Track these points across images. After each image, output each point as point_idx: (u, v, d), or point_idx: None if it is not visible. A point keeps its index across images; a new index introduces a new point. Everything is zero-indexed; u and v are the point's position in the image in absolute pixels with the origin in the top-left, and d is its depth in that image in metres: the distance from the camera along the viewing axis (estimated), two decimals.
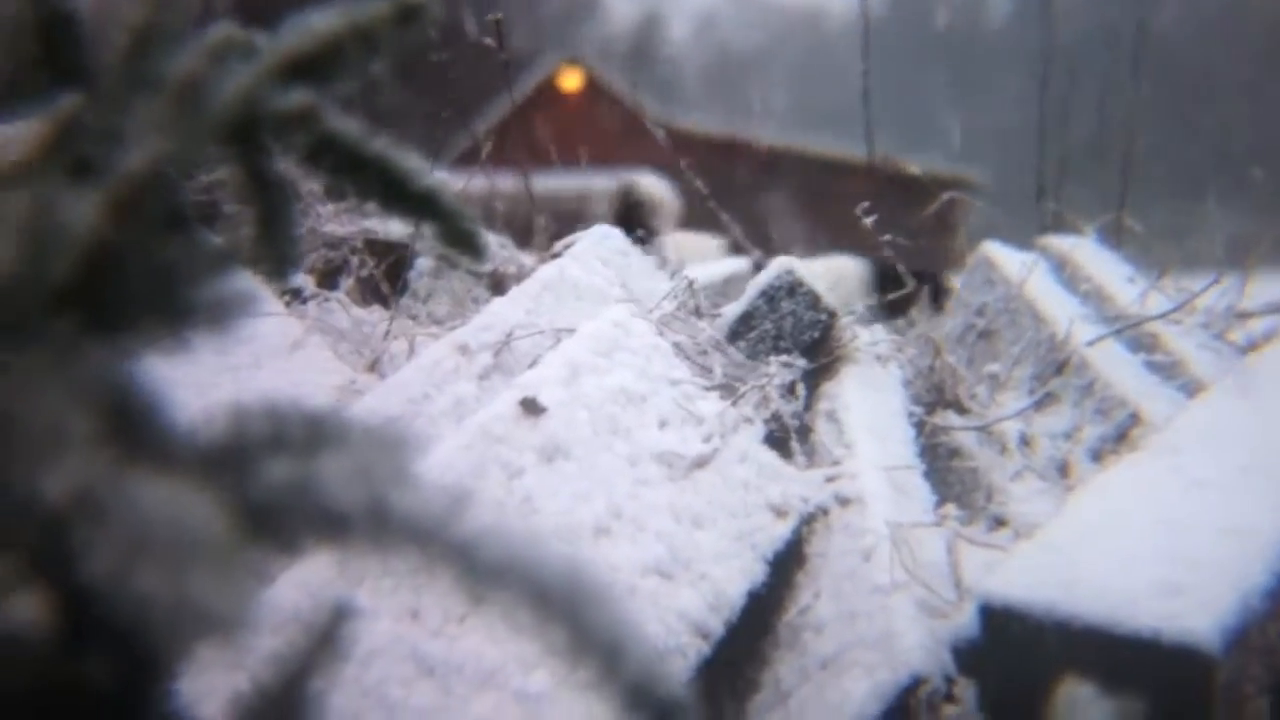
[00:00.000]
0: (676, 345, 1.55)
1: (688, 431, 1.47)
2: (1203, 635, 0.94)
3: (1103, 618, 0.99)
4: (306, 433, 0.37)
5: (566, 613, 0.35)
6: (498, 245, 1.93)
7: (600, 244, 1.66)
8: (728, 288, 2.01)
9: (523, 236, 2.21)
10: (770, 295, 1.66)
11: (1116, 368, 1.75)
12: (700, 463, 1.43)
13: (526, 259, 1.90)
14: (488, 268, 1.85)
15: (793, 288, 1.67)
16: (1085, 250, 2.16)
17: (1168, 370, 1.78)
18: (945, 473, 1.80)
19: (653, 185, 5.01)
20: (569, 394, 1.37)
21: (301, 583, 1.02)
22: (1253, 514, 1.10)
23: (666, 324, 1.55)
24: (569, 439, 1.34)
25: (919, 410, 1.71)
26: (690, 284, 1.60)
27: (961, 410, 1.89)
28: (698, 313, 1.62)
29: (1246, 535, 1.07)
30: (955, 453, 1.81)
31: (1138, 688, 0.97)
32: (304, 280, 2.02)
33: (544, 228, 2.29)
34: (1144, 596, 1.00)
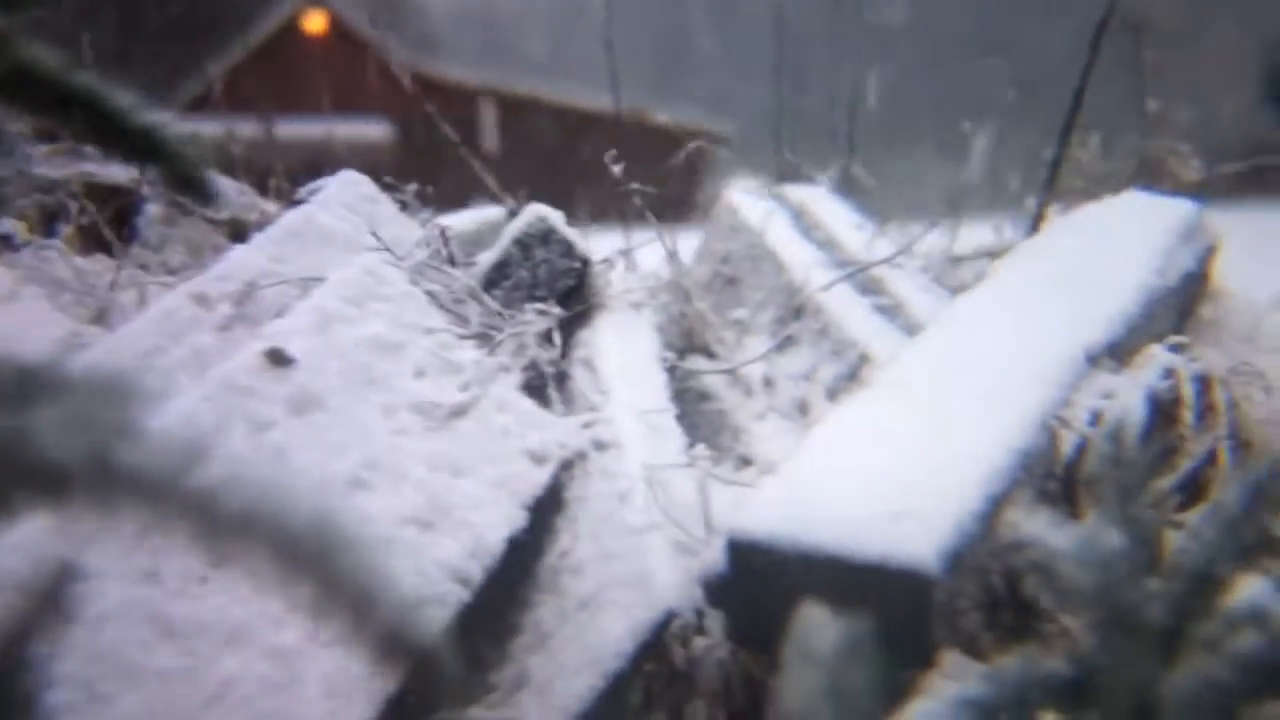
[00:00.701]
0: (431, 294, 1.52)
1: (445, 381, 1.45)
2: (922, 558, 1.03)
3: (837, 547, 1.07)
4: (18, 384, 0.33)
5: (314, 565, 0.34)
6: (236, 191, 1.82)
7: (347, 190, 1.59)
8: (482, 236, 1.99)
9: (265, 183, 2.09)
10: (523, 243, 1.66)
11: (847, 311, 1.88)
12: (458, 411, 1.42)
13: (269, 206, 1.80)
14: (225, 214, 1.74)
15: (546, 235, 1.67)
16: (819, 199, 2.29)
17: (892, 312, 1.92)
18: (696, 415, 1.87)
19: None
20: (320, 343, 1.32)
21: (19, 545, 0.94)
22: (970, 441, 1.21)
23: (420, 272, 1.51)
24: (321, 389, 1.29)
25: (671, 355, 1.77)
26: (443, 231, 1.57)
27: (710, 355, 1.97)
28: (451, 261, 1.59)
29: (964, 461, 1.18)
30: (705, 396, 1.88)
31: (868, 609, 1.05)
32: (14, 227, 1.83)
33: (284, 174, 2.18)
34: (873, 525, 1.08)
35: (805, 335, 1.92)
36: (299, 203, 1.56)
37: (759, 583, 1.11)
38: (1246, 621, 0.78)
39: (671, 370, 1.82)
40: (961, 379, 1.33)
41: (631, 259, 2.13)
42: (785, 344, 1.94)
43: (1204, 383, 1.36)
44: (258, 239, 1.48)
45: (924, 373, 1.36)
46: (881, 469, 1.17)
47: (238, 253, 1.46)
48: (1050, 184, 1.88)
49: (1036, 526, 0.88)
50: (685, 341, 1.99)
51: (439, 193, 2.09)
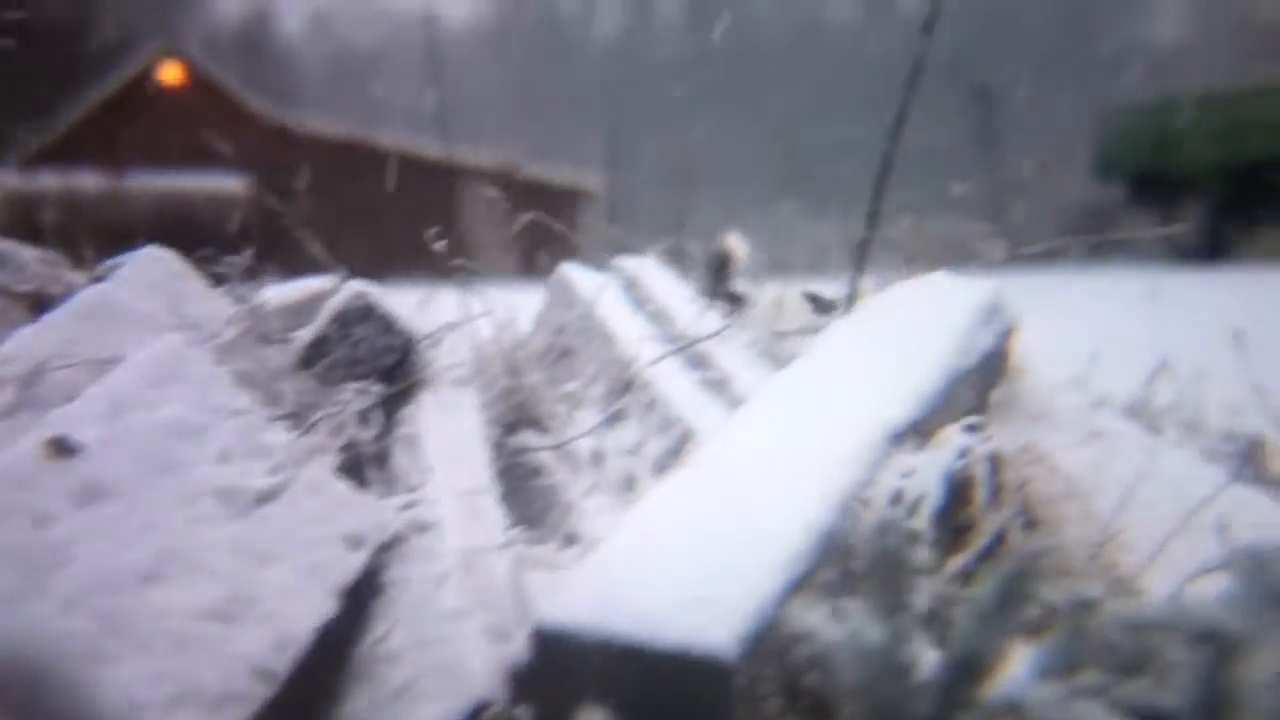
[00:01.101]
0: (242, 373, 1.48)
1: (252, 464, 1.41)
2: (721, 645, 1.05)
3: (639, 635, 1.07)
4: None
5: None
6: (40, 261, 1.73)
7: (151, 266, 1.54)
8: (311, 308, 1.95)
9: (79, 252, 1.99)
10: (342, 320, 1.63)
11: (674, 385, 1.91)
12: (266, 496, 1.38)
13: (76, 277, 1.72)
14: (27, 287, 1.65)
15: (365, 312, 1.65)
16: (651, 271, 2.33)
17: (719, 386, 1.97)
18: (527, 492, 1.86)
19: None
20: (111, 430, 1.26)
21: None
22: (774, 523, 1.24)
23: (230, 351, 1.47)
24: (111, 479, 1.23)
25: (498, 431, 1.76)
26: (256, 308, 1.53)
27: (542, 429, 1.97)
28: (266, 339, 1.55)
29: (768, 544, 1.21)
30: (535, 472, 1.88)
31: (670, 698, 1.06)
32: None
33: (126, 232, 2.08)
34: (675, 611, 1.10)
35: (634, 409, 1.95)
36: (99, 279, 1.50)
37: (565, 672, 1.10)
38: (1003, 713, 0.82)
39: (499, 447, 1.81)
40: (770, 458, 1.37)
41: (473, 327, 2.12)
42: (615, 418, 1.96)
43: (995, 462, 1.44)
44: (49, 317, 1.41)
45: (734, 452, 1.40)
46: (687, 552, 1.19)
47: (26, 332, 1.39)
48: (860, 263, 1.97)
49: (813, 619, 0.91)
50: (517, 415, 1.99)
51: (296, 252, 2.03)
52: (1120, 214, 16.82)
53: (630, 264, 2.41)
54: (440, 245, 2.00)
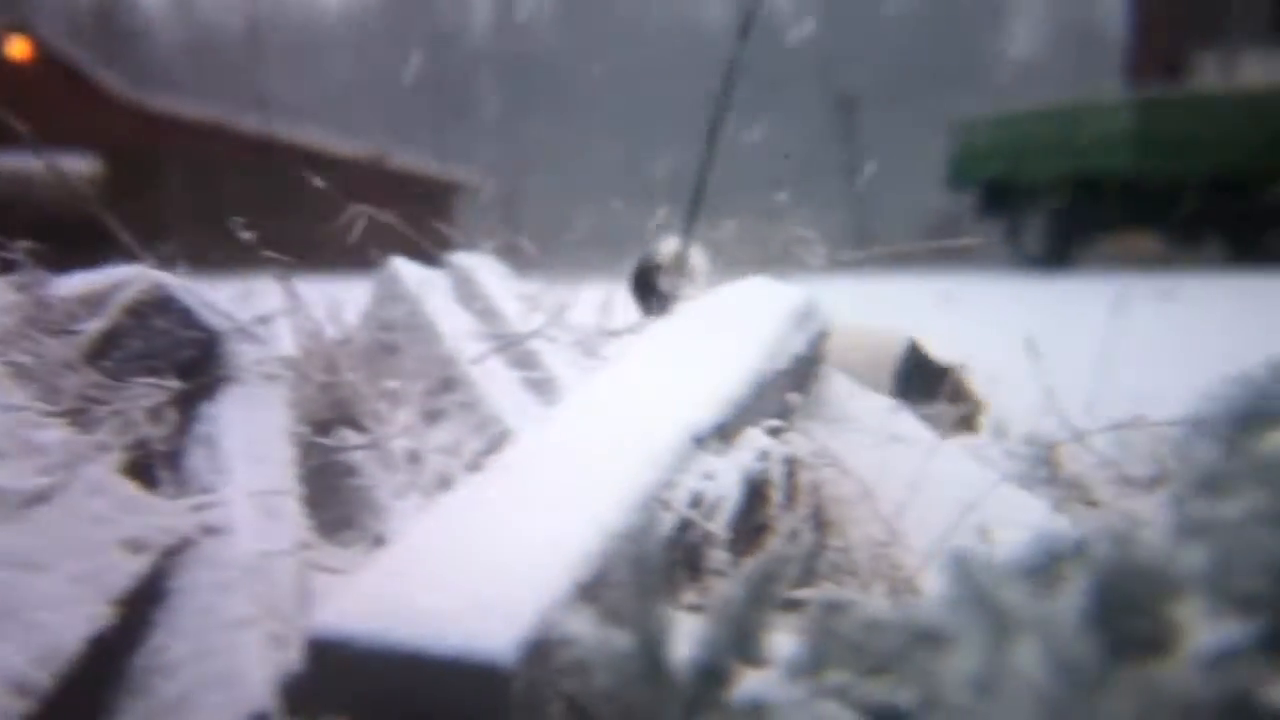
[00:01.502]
0: (19, 366, 1.39)
1: (24, 464, 1.33)
2: (500, 651, 1.04)
3: (416, 642, 1.06)
4: None
5: None
6: None
7: None
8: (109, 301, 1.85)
9: None
10: (138, 311, 1.56)
11: (495, 384, 1.90)
12: (36, 498, 1.30)
13: None
14: None
15: (163, 303, 1.58)
16: (484, 269, 2.31)
17: (543, 386, 1.96)
18: (337, 493, 1.82)
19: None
20: None
21: None
22: (566, 526, 1.24)
23: (6, 342, 1.38)
24: None
25: (307, 430, 1.71)
26: (37, 298, 1.45)
27: (360, 428, 1.92)
28: (49, 330, 1.47)
29: (558, 547, 1.20)
30: (349, 472, 1.83)
31: (447, 708, 1.05)
32: None
33: None
34: (456, 617, 1.08)
35: (454, 409, 1.92)
36: None
37: (339, 683, 1.07)
38: (747, 714, 0.83)
39: (309, 445, 1.76)
40: (571, 460, 1.37)
41: (298, 321, 2.05)
42: (434, 417, 1.93)
43: (792, 464, 1.47)
44: None
45: (535, 454, 1.39)
46: (475, 556, 1.18)
47: None
48: (682, 266, 2.00)
49: (577, 624, 0.91)
50: (333, 413, 1.94)
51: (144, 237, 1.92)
52: (970, 222, 17.60)
53: (465, 260, 2.38)
54: (258, 234, 1.94)
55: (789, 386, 1.79)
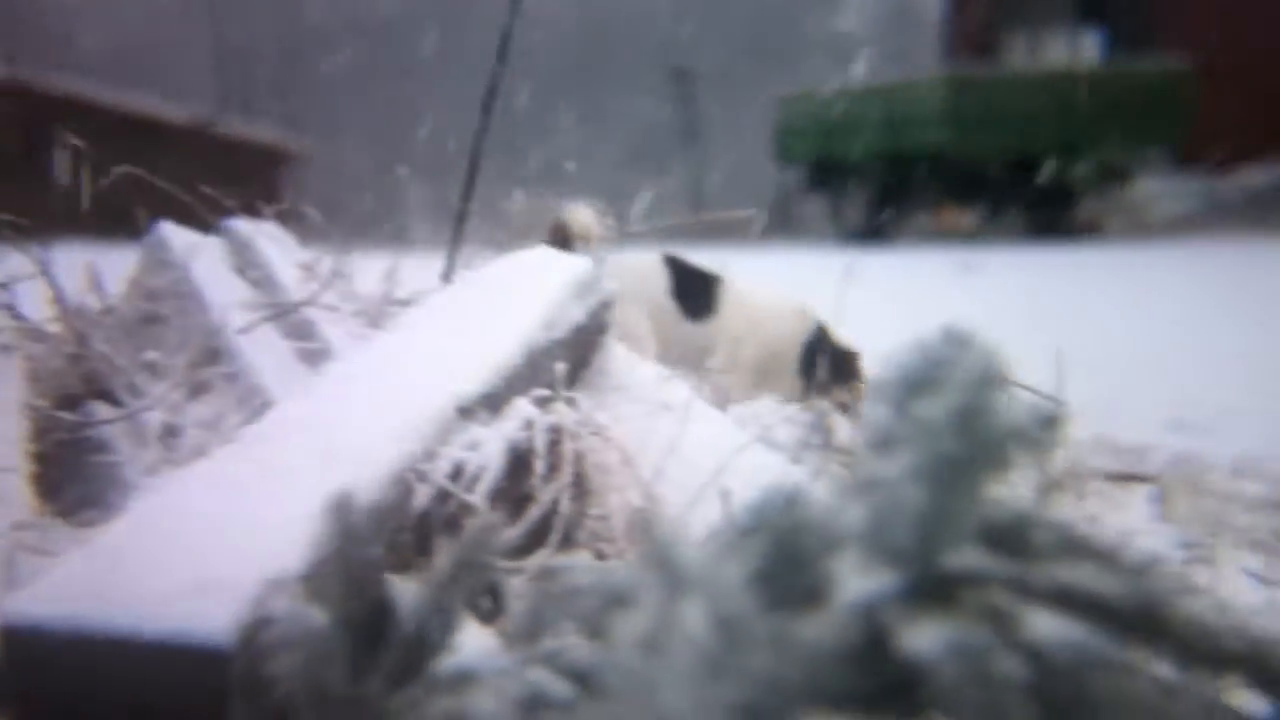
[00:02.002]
0: None
1: None
2: (216, 632, 1.00)
3: (128, 627, 1.00)
4: None
5: None
6: None
7: None
8: None
9: None
10: None
11: (265, 356, 1.82)
12: None
13: None
14: None
15: None
16: (263, 236, 2.21)
17: (318, 358, 1.90)
18: (89, 468, 1.71)
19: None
20: None
21: None
22: (304, 501, 1.19)
23: None
24: None
25: (46, 404, 1.60)
26: None
27: (113, 401, 1.81)
28: None
29: (294, 522, 1.16)
30: (99, 448, 1.73)
31: (163, 693, 1.00)
32: None
33: None
34: (175, 598, 1.03)
35: (219, 381, 1.84)
36: None
37: (37, 675, 1.01)
38: (454, 684, 0.83)
39: (52, 420, 1.65)
40: (319, 434, 1.32)
41: (50, 290, 1.91)
42: (199, 390, 1.84)
43: (557, 434, 1.47)
44: None
45: (284, 427, 1.34)
46: (202, 534, 1.13)
47: None
48: (457, 236, 1.97)
49: (277, 602, 0.88)
50: (84, 387, 1.82)
51: None
52: (800, 197, 18.12)
53: (242, 227, 2.28)
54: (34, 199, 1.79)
55: (566, 356, 1.79)
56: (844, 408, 2.46)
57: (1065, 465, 1.96)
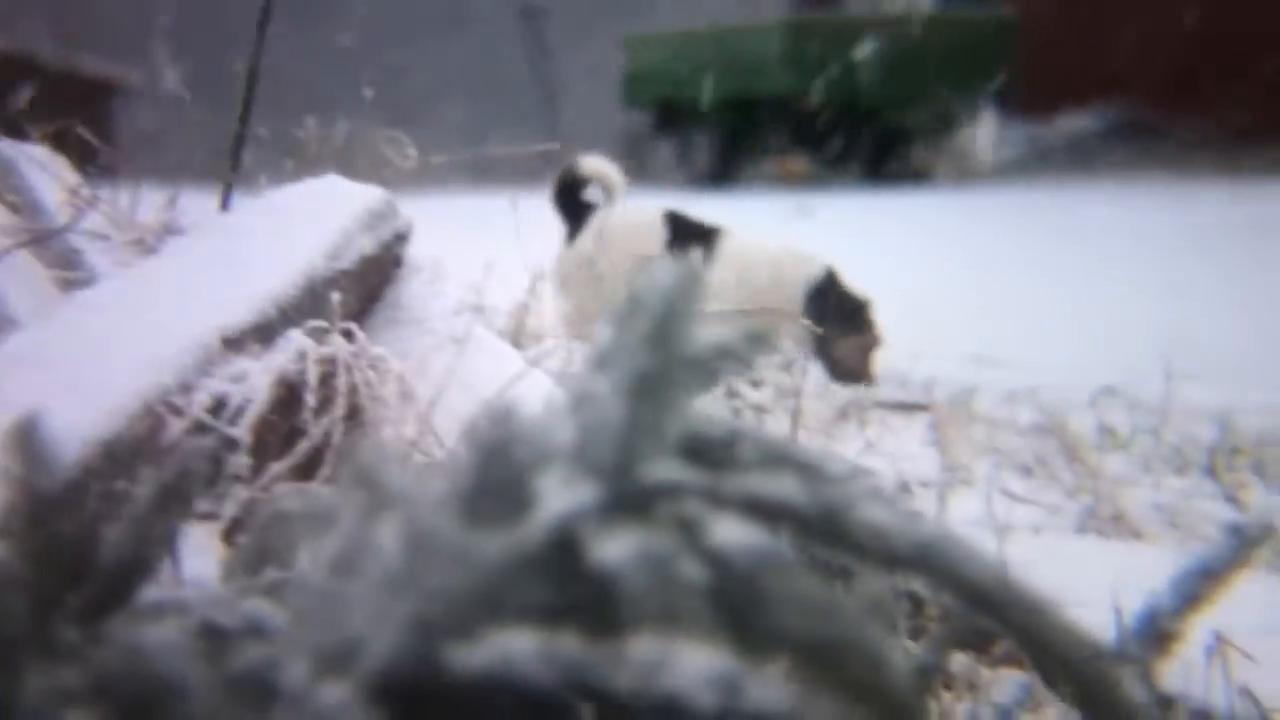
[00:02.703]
0: None
1: None
2: None
3: None
4: None
5: None
6: None
7: None
8: None
9: None
10: None
11: (19, 285, 1.70)
12: None
13: None
14: None
15: None
16: (27, 159, 2.06)
17: (75, 286, 1.79)
18: None
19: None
20: None
21: None
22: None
23: None
24: None
25: None
26: None
27: None
28: None
29: None
30: None
31: None
32: None
33: None
34: None
35: None
36: None
37: None
38: (154, 616, 0.80)
39: None
40: (57, 366, 1.25)
41: None
42: None
43: (332, 366, 1.43)
44: None
45: (17, 358, 1.26)
46: None
47: None
48: (235, 163, 1.88)
49: None
50: None
51: None
52: (649, 141, 18.11)
53: (4, 149, 2.11)
54: None
55: (353, 288, 1.74)
56: (853, 354, 2.49)
57: (852, 395, 2.04)
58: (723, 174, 16.00)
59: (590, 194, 3.84)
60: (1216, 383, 2.68)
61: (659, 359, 0.71)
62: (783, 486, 0.71)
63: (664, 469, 0.72)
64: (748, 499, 0.71)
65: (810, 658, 0.65)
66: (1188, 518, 1.65)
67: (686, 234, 3.37)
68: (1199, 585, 0.79)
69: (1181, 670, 1.08)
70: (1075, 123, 16.51)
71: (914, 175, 15.14)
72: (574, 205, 3.80)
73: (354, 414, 1.44)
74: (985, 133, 15.74)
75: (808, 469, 0.79)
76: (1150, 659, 0.79)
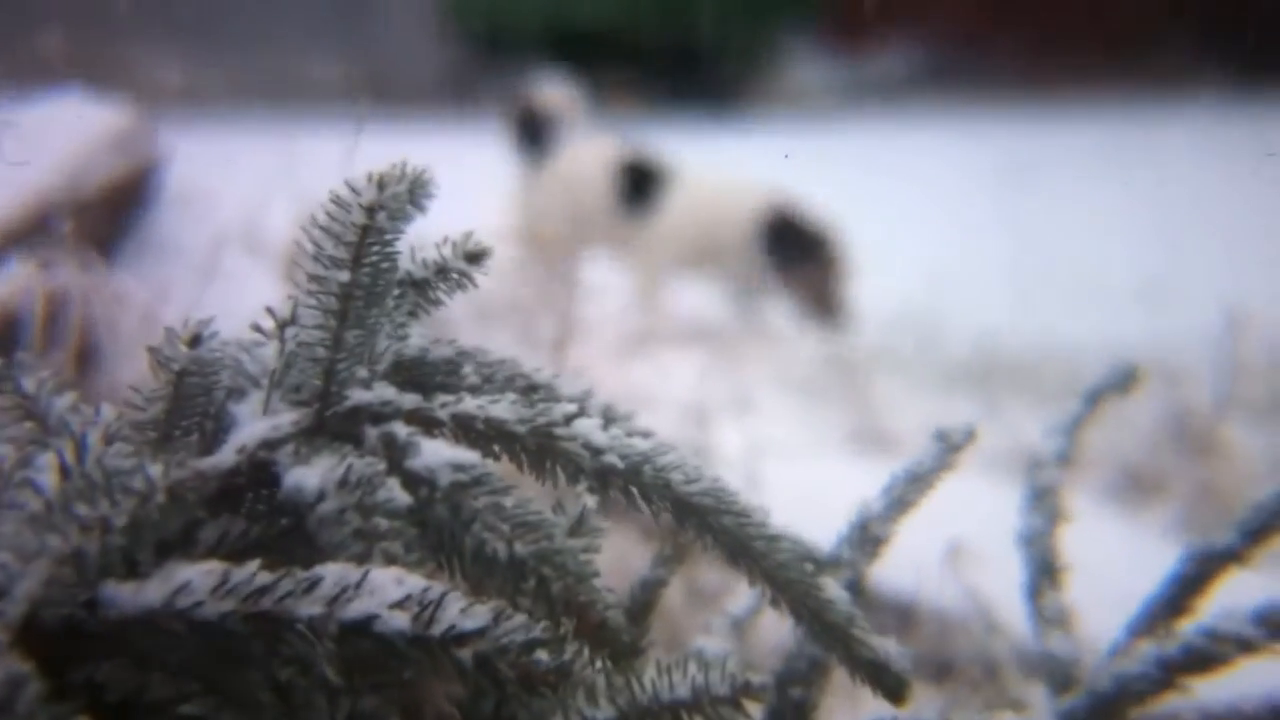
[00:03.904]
0: None
1: None
2: None
3: None
4: None
5: None
6: None
7: None
8: None
9: None
10: None
11: None
12: None
13: None
14: None
15: None
16: None
17: None
18: None
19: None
20: None
21: None
22: None
23: None
24: None
25: None
26: None
27: None
28: None
29: None
30: None
31: None
32: None
33: None
34: None
35: None
36: None
37: None
38: None
39: None
40: None
41: None
42: None
43: (60, 297, 1.33)
44: None
45: None
46: None
47: None
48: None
49: None
50: None
51: None
52: (474, 73, 17.55)
53: None
54: None
55: (97, 216, 1.62)
56: (809, 289, 2.40)
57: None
58: None
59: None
60: (985, 308, 2.84)
61: (366, 278, 0.68)
62: (497, 408, 0.70)
63: (374, 392, 0.70)
64: (459, 420, 0.69)
65: (514, 574, 0.65)
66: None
67: (637, 173, 3.30)
68: (907, 490, 0.83)
69: (915, 573, 1.14)
70: (886, 59, 17.02)
71: (735, 112, 15.30)
72: (533, 138, 3.75)
73: (88, 351, 1.34)
74: (806, 71, 16.02)
75: (537, 390, 0.78)
76: (860, 561, 0.82)
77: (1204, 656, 0.68)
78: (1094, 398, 0.87)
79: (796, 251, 2.99)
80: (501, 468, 0.69)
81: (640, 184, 3.40)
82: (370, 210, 0.66)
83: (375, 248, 0.67)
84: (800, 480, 1.24)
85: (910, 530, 0.99)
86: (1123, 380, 0.87)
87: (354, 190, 0.66)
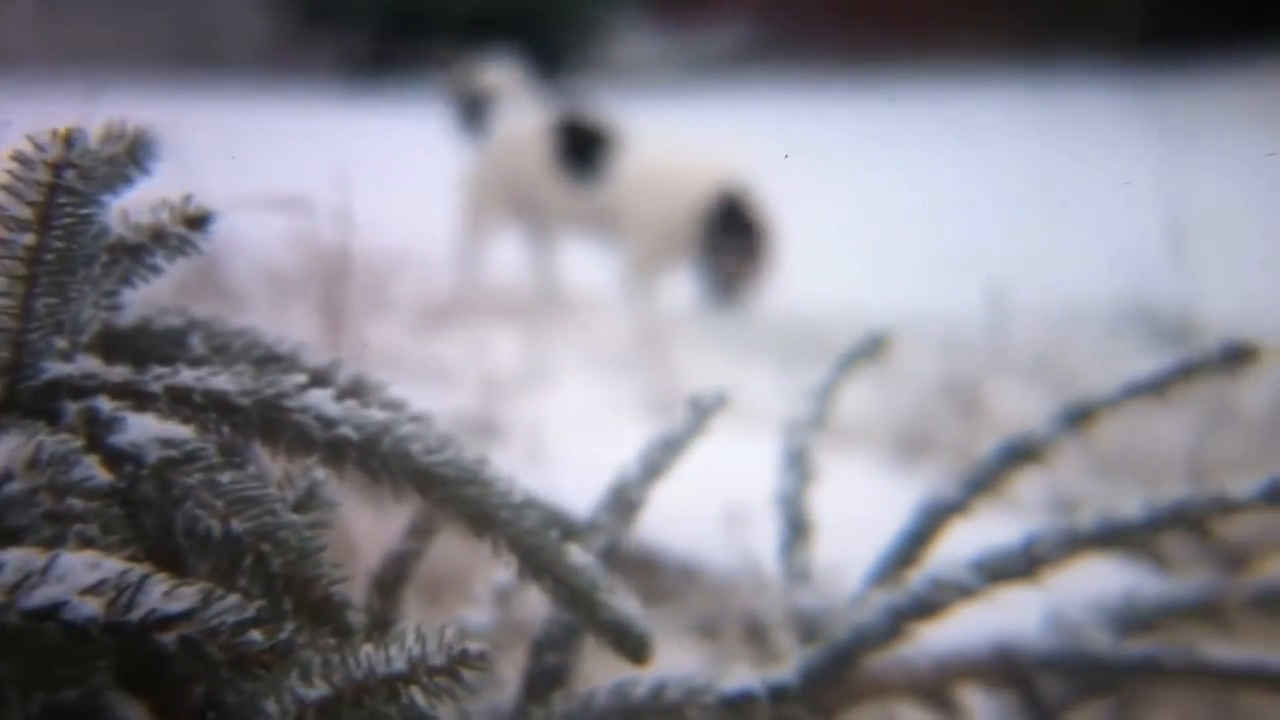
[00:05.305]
0: None
1: None
2: None
3: None
4: None
5: None
6: None
7: None
8: None
9: None
10: None
11: None
12: None
13: None
14: None
15: None
16: None
17: None
18: None
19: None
20: None
21: None
22: None
23: None
24: None
25: None
26: None
27: None
28: None
29: None
30: None
31: None
32: None
33: None
34: None
35: None
36: None
37: None
38: None
39: None
40: None
41: None
42: None
43: None
44: None
45: None
46: None
47: None
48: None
49: None
50: None
51: None
52: (299, 34, 16.84)
53: None
54: None
55: None
56: (728, 273, 2.26)
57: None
58: (382, 74, 15.26)
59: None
60: (801, 277, 2.93)
61: (58, 242, 0.63)
62: (218, 379, 0.66)
63: (73, 365, 0.65)
64: (174, 393, 0.65)
65: (231, 552, 0.62)
66: (745, 401, 1.77)
67: (578, 140, 3.12)
68: (661, 456, 0.84)
69: (699, 535, 1.16)
70: (716, 33, 17.23)
71: (568, 80, 15.19)
72: (473, 117, 3.60)
73: None
74: (637, 46, 16.05)
75: (280, 361, 0.75)
76: (617, 526, 0.83)
77: (930, 604, 0.71)
78: (846, 364, 0.90)
79: (737, 239, 2.97)
80: None
81: (582, 147, 3.28)
82: (55, 167, 0.61)
83: (68, 209, 0.62)
84: (589, 450, 1.23)
85: (700, 494, 1.01)
86: (873, 347, 0.90)
87: (38, 146, 0.61)
